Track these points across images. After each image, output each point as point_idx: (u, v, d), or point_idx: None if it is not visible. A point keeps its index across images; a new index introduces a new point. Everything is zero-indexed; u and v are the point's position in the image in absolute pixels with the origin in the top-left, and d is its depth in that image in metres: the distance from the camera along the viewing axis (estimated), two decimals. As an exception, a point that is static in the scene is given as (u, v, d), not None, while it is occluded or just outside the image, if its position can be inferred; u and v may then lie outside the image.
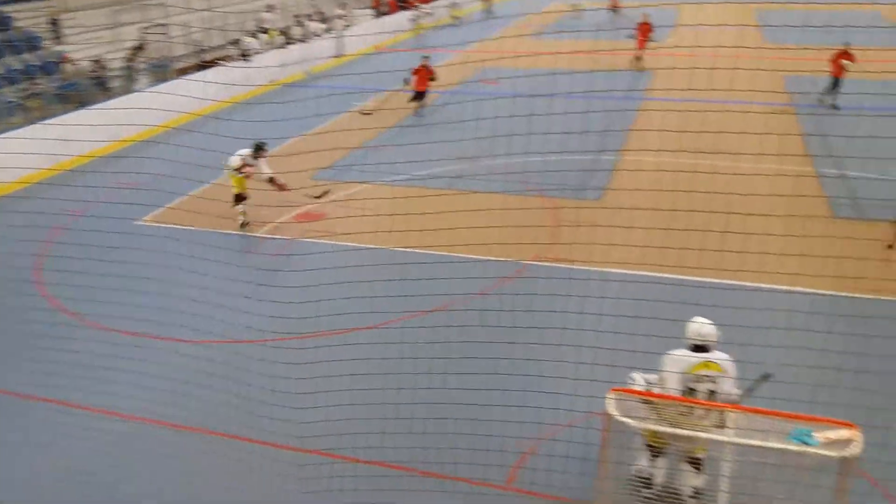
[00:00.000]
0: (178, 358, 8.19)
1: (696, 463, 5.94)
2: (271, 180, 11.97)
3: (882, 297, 9.19)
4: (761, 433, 5.40)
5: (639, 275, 9.37)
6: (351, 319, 7.39)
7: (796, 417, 5.52)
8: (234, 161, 11.85)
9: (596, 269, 9.04)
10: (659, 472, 6.06)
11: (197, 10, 22.00)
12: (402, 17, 32.08)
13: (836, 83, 18.68)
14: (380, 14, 33.09)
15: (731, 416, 5.58)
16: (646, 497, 5.98)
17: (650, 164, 13.50)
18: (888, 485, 6.30)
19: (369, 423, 6.51)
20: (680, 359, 5.87)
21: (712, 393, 5.79)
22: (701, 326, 5.90)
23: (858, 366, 6.60)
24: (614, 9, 33.49)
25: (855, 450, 5.24)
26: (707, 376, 5.80)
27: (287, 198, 11.90)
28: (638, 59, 23.25)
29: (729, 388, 5.82)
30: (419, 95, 18.66)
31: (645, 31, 23.37)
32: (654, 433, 5.87)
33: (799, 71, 19.32)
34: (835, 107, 18.52)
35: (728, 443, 5.42)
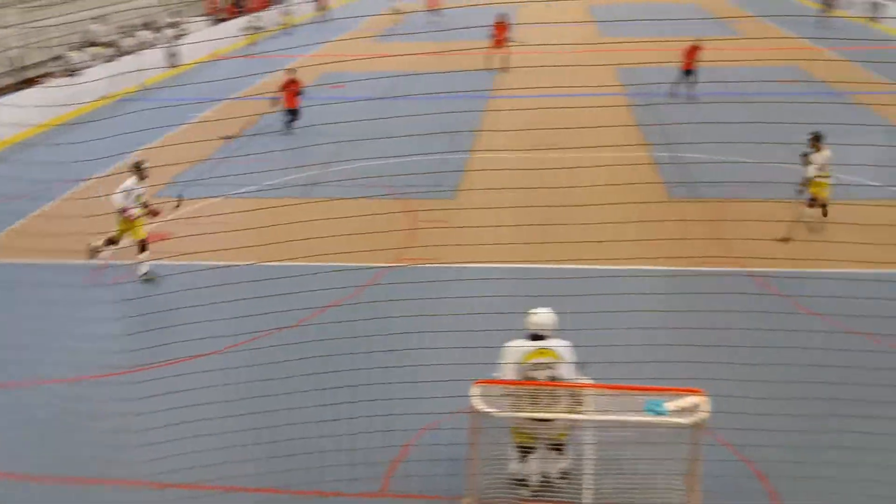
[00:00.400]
0: (19, 404, 7.52)
1: (558, 447, 6.12)
2: (145, 205, 10.49)
3: (714, 269, 9.88)
4: (616, 410, 5.65)
5: (497, 268, 9.55)
6: (207, 343, 7.07)
7: (646, 390, 5.81)
8: (118, 201, 10.19)
9: (455, 266, 9.14)
10: (532, 469, 6.13)
11: (11, 24, 20.34)
12: (240, 23, 31.12)
13: (688, 74, 19.78)
14: (217, 21, 31.97)
15: (587, 398, 5.79)
16: (522, 497, 6.06)
17: (499, 161, 13.83)
18: (739, 446, 6.78)
19: (236, 449, 6.25)
20: (516, 349, 5.99)
21: (552, 379, 5.94)
22: (537, 316, 6.05)
23: (702, 337, 7.04)
24: (433, 10, 33.94)
25: (703, 414, 5.58)
26: (543, 363, 5.95)
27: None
28: (496, 57, 23.55)
29: (568, 373, 5.98)
30: (292, 113, 16.94)
31: (501, 30, 23.66)
32: (521, 433, 5.99)
33: (629, 63, 20.41)
34: (673, 94, 19.60)
35: (585, 421, 5.64)
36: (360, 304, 8.91)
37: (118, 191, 10.27)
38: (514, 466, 6.16)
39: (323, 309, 8.72)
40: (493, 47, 23.44)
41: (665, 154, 14.64)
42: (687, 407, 5.67)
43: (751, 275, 9.91)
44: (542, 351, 5.97)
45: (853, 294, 8.06)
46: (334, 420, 6.21)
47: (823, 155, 11.16)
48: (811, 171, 11.16)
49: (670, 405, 5.68)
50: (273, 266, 9.51)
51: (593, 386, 5.87)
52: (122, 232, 10.55)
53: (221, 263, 9.51)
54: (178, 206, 10.84)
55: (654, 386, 5.89)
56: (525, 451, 6.10)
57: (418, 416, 6.29)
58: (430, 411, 6.23)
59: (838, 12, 31.14)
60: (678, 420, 5.57)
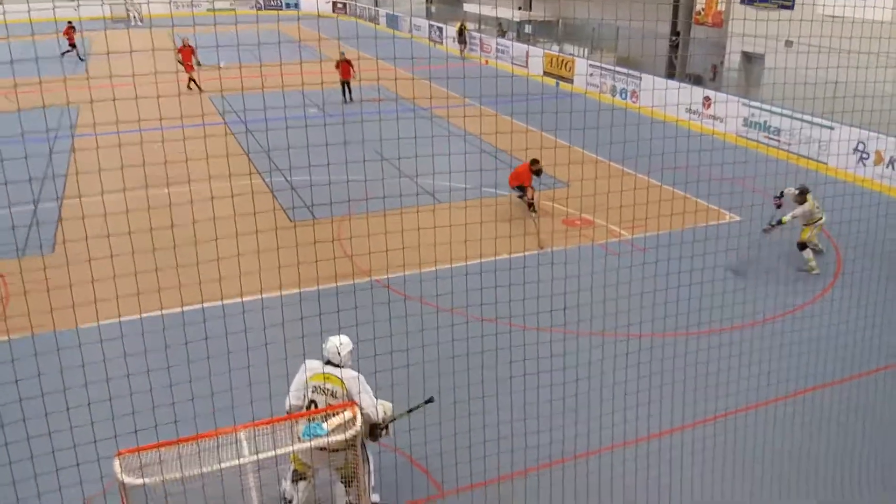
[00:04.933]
0: None
1: (346, 481, 6.08)
2: None
3: (359, 281, 10.36)
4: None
5: (126, 321, 8.75)
6: None
7: (302, 416, 5.92)
8: None
9: (65, 329, 8.16)
10: (299, 495, 6.11)
11: None
12: None
13: (344, 84, 23.09)
14: None
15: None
16: None
17: (103, 205, 12.73)
18: (403, 447, 7.24)
19: None
20: (308, 366, 6.09)
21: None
22: (329, 342, 6.16)
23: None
24: None
25: (357, 426, 5.84)
26: (323, 388, 6.02)
27: None
28: (191, 82, 22.97)
29: (364, 403, 6.05)
30: None
31: (187, 54, 22.88)
32: (296, 459, 5.96)
33: (221, 91, 20.27)
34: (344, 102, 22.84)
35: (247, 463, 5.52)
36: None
37: None
38: (286, 486, 6.12)
39: None
40: (186, 72, 22.91)
41: (279, 180, 14.91)
42: (342, 423, 5.88)
43: (380, 282, 10.63)
44: (326, 376, 5.98)
45: (461, 284, 9.08)
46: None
47: (804, 208, 11.90)
48: (787, 216, 11.93)
49: (326, 425, 5.84)
50: None
51: (247, 426, 5.75)
52: None
53: None
54: None
55: (309, 410, 5.99)
56: (298, 476, 6.09)
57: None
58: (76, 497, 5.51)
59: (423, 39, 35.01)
60: (338, 437, 5.76)
